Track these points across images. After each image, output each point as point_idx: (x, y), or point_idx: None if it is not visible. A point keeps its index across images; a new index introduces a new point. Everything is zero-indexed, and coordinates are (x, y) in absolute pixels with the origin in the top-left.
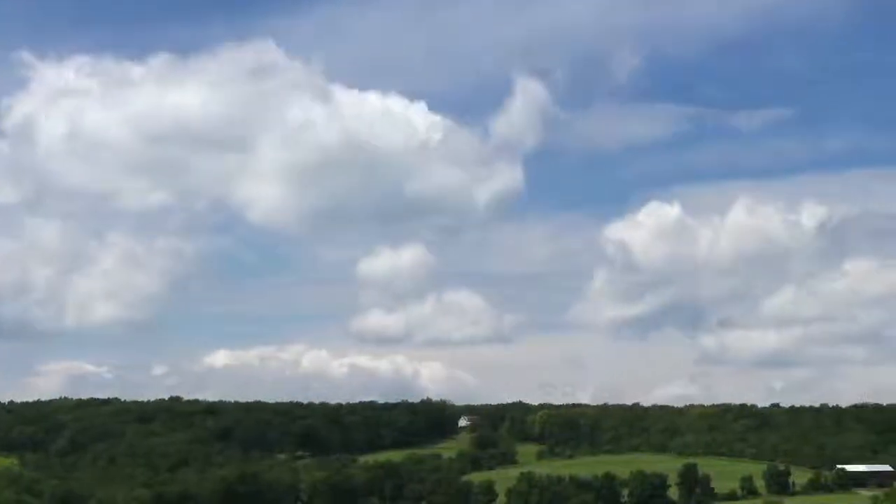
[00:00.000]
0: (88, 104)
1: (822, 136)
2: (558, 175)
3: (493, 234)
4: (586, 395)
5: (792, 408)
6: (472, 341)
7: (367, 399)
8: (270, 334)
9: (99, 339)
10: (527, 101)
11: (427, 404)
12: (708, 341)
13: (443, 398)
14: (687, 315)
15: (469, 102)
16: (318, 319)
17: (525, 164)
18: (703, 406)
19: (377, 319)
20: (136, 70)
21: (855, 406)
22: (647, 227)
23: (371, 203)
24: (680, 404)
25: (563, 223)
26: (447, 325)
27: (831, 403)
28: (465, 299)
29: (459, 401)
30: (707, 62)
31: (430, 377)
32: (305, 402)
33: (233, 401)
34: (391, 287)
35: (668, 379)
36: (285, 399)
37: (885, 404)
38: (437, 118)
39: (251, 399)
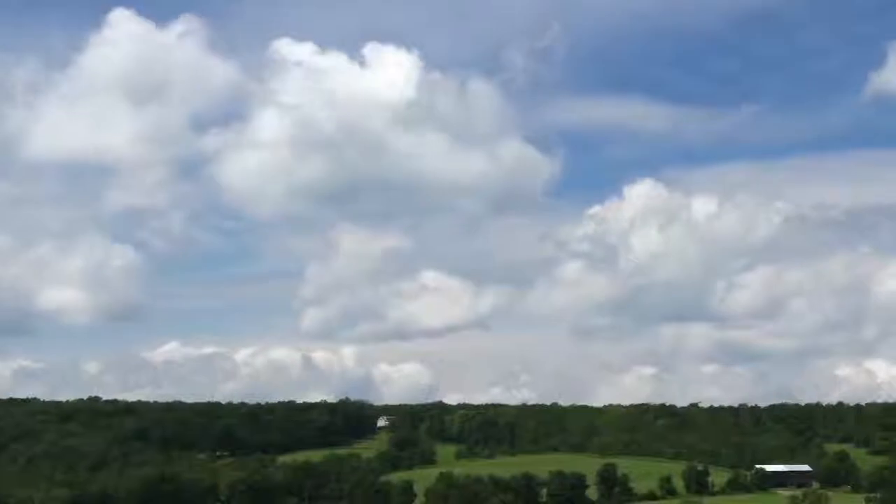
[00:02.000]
0: None
1: (821, 120)
2: (553, 160)
3: (476, 221)
4: (547, 392)
5: (711, 407)
6: (431, 334)
7: (319, 396)
8: (227, 328)
9: (48, 333)
10: (524, 82)
11: (346, 404)
12: (678, 335)
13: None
14: (666, 308)
15: (464, 85)
16: (273, 313)
17: (518, 149)
18: (621, 406)
19: (338, 311)
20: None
21: (773, 405)
22: (629, 217)
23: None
24: (639, 400)
25: (548, 211)
26: (411, 319)
27: (794, 402)
28: (436, 291)
29: (419, 396)
30: (716, 39)
31: (383, 371)
32: (224, 401)
33: (153, 401)
34: (356, 277)
35: (629, 373)
36: (231, 396)
37: (802, 403)
38: (429, 98)
39: (206, 397)
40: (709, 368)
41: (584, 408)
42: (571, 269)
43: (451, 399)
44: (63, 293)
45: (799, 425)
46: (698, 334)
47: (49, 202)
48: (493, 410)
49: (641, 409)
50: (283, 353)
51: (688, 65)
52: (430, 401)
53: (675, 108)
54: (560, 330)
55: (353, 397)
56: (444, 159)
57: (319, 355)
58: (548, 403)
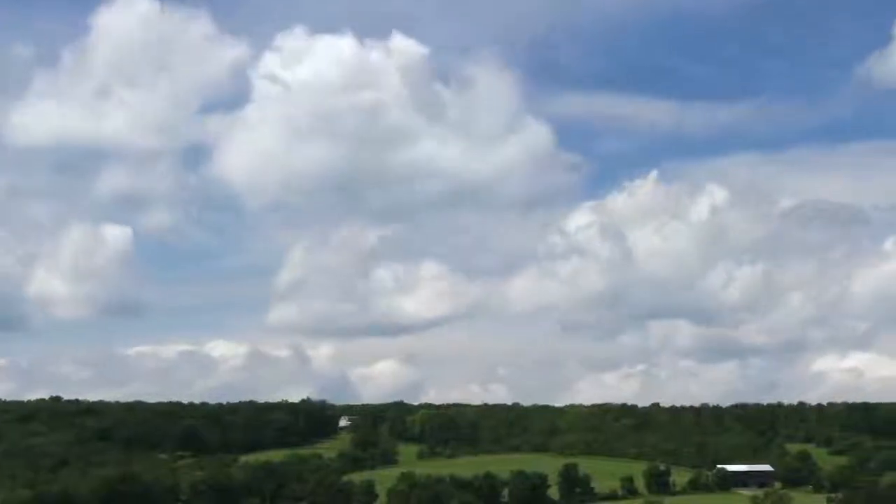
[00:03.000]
0: None
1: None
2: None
3: (472, 214)
4: (528, 389)
5: (672, 407)
6: (414, 329)
7: (299, 393)
8: (215, 324)
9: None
10: (526, 73)
11: (307, 404)
12: (668, 331)
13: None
14: (662, 304)
15: (465, 76)
16: (255, 309)
17: (517, 141)
18: (583, 406)
19: (324, 307)
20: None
21: (735, 405)
22: (628, 211)
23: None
24: (616, 400)
25: (547, 204)
26: (395, 312)
27: (754, 402)
28: (424, 286)
29: (391, 394)
30: (719, 29)
31: (361, 370)
32: (186, 401)
33: (114, 401)
34: (341, 271)
35: (610, 373)
36: (205, 397)
37: (765, 403)
38: (429, 87)
39: (185, 396)
40: (700, 367)
41: (546, 408)
42: (567, 263)
43: (430, 396)
44: (45, 287)
45: (760, 425)
46: (687, 331)
47: (32, 192)
48: (454, 410)
49: (603, 409)
50: (265, 350)
51: (690, 55)
52: (394, 400)
53: (677, 100)
54: (551, 325)
55: (335, 394)
56: (441, 151)
57: (298, 352)
58: (509, 403)
